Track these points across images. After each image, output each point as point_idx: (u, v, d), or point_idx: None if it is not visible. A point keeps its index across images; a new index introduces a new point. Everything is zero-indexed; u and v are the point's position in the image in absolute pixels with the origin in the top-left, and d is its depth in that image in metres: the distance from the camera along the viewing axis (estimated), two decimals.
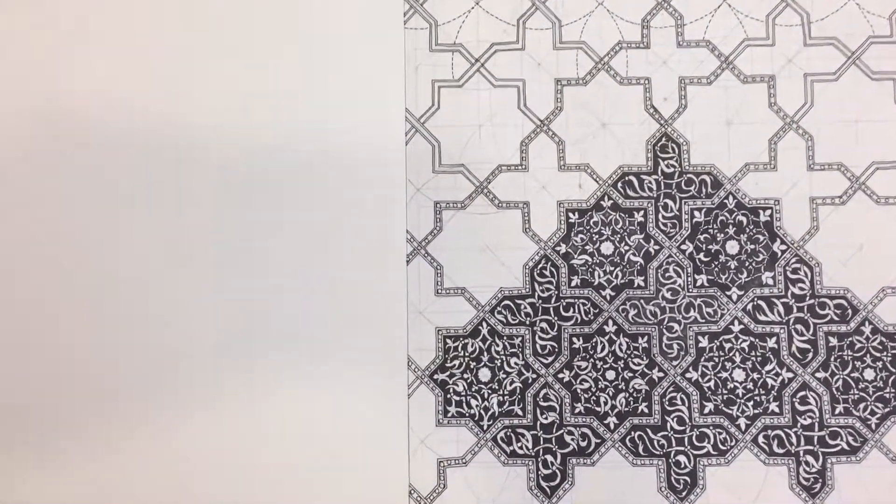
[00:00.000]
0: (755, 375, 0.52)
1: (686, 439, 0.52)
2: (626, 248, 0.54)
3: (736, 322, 0.53)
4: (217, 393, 0.52)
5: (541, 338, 0.53)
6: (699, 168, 0.54)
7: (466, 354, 0.53)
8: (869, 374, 0.52)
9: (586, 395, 0.53)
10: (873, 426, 0.52)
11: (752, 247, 0.53)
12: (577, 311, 0.53)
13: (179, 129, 0.52)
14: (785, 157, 0.54)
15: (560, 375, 0.53)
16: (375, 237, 0.53)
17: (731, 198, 0.54)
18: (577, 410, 0.53)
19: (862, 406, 0.52)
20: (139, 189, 0.51)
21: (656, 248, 0.54)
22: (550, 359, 0.53)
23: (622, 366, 0.53)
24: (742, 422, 0.52)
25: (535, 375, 0.53)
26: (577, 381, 0.53)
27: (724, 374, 0.53)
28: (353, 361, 0.52)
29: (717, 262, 0.53)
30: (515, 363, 0.53)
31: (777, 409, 0.52)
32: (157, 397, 0.51)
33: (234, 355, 0.52)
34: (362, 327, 0.52)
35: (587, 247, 0.54)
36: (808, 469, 0.52)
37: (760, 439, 0.52)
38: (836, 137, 0.53)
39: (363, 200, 0.53)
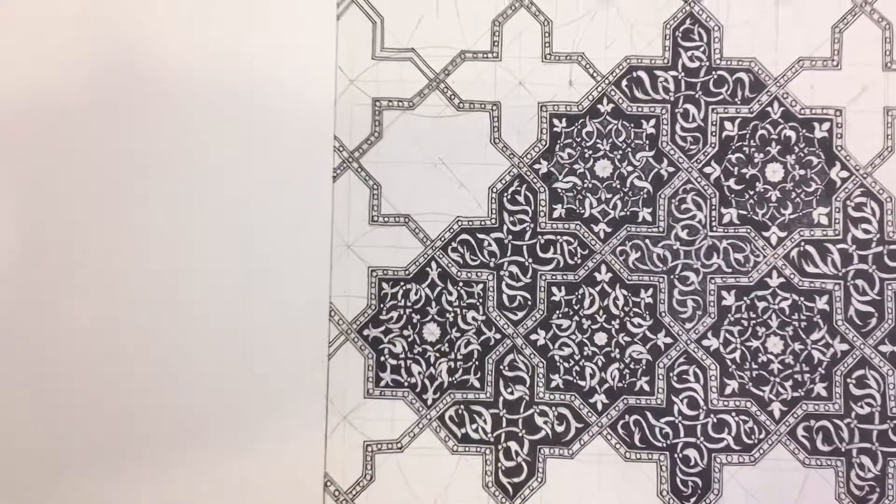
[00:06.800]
0: (797, 346, 0.47)
1: (699, 428, 0.47)
2: (630, 168, 0.48)
3: (775, 274, 0.47)
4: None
5: (509, 286, 0.48)
6: (735, 63, 0.48)
7: (408, 304, 0.48)
8: None
9: (567, 365, 0.47)
10: None
11: (803, 173, 0.47)
12: (559, 251, 0.48)
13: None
14: (853, 52, 0.48)
15: (533, 337, 0.47)
16: (291, 143, 0.47)
17: (776, 105, 0.48)
18: (553, 384, 0.47)
19: None
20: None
21: (670, 169, 0.48)
22: (521, 314, 0.48)
23: (617, 327, 0.47)
24: (776, 408, 0.47)
25: (498, 336, 0.48)
26: (556, 346, 0.47)
27: (755, 344, 0.47)
28: (257, 305, 0.47)
29: (752, 193, 0.48)
30: (474, 318, 0.48)
31: (825, 393, 0.47)
32: None
33: None
34: (268, 261, 0.47)
35: (576, 165, 0.48)
36: (862, 474, 0.46)
37: (800, 432, 0.47)
38: None
39: (276, 92, 0.47)
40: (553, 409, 0.47)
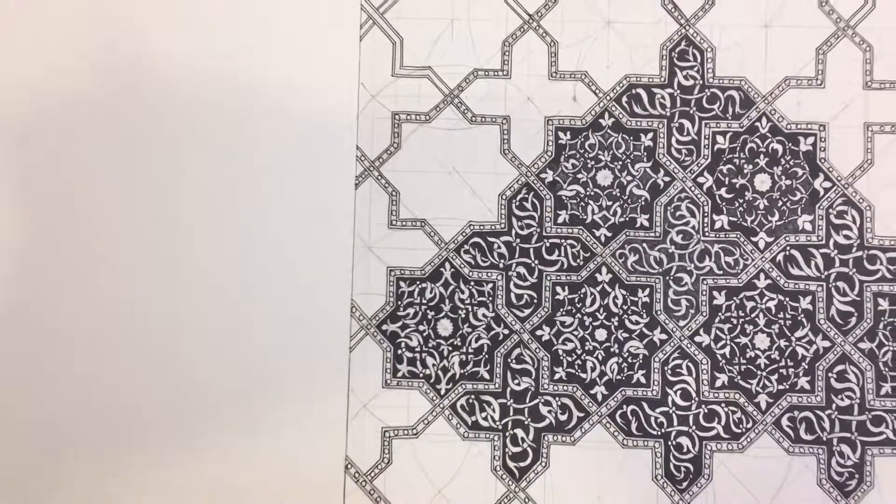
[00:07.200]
0: (782, 343, 0.47)
1: (691, 418, 0.47)
2: (629, 178, 0.48)
3: (762, 276, 0.47)
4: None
5: (517, 285, 0.48)
6: (726, 82, 0.48)
7: (424, 302, 0.48)
8: None
9: (570, 359, 0.47)
10: None
11: (788, 183, 0.47)
12: (563, 253, 0.48)
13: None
14: (836, 72, 0.48)
15: (538, 333, 0.48)
16: (317, 153, 0.48)
17: (764, 120, 0.48)
18: (557, 376, 0.47)
19: None
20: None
21: (666, 179, 0.48)
22: (527, 312, 0.48)
23: (616, 324, 0.47)
24: (763, 400, 0.47)
25: (507, 331, 0.48)
26: (560, 341, 0.48)
27: (744, 340, 0.47)
28: (283, 302, 0.47)
29: (742, 201, 0.48)
30: (484, 315, 0.48)
31: (808, 386, 0.47)
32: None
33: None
34: (296, 261, 0.47)
35: (580, 175, 0.48)
36: (842, 461, 0.46)
37: (784, 422, 0.47)
38: None
39: (304, 106, 0.48)
40: (557, 399, 0.47)
